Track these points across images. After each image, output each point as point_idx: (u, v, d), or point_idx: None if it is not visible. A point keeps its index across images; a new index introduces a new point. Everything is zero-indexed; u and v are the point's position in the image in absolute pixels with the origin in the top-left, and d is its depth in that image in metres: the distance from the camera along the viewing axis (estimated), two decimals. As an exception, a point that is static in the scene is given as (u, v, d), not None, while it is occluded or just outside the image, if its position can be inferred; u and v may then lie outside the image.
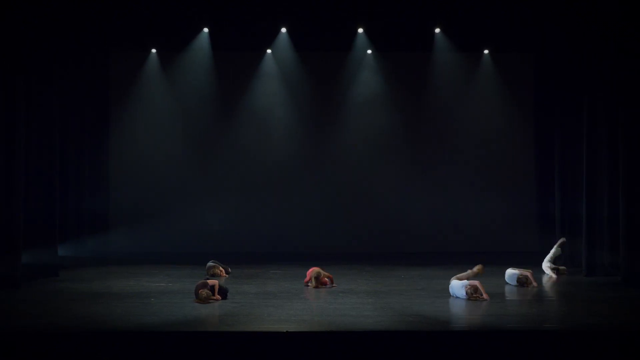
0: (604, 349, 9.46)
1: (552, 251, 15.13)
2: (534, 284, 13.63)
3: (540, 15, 16.77)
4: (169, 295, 12.60)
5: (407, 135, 20.00)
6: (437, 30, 18.62)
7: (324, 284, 13.40)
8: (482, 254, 17.90)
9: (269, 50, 19.50)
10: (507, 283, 13.88)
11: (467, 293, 12.03)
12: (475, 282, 12.19)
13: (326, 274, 13.52)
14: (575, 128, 16.43)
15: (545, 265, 15.20)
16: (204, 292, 11.76)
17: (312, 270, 13.45)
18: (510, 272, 13.96)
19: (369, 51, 19.57)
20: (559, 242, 15.27)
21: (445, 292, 13.11)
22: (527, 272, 13.87)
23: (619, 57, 14.15)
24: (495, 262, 16.43)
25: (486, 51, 19.68)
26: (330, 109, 19.93)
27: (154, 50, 19.48)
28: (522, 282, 13.63)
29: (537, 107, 19.28)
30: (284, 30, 18.63)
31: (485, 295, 12.08)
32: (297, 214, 19.45)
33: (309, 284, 13.38)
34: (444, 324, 10.46)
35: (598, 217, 15.17)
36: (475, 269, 12.83)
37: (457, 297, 12.22)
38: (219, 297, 11.91)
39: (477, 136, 19.94)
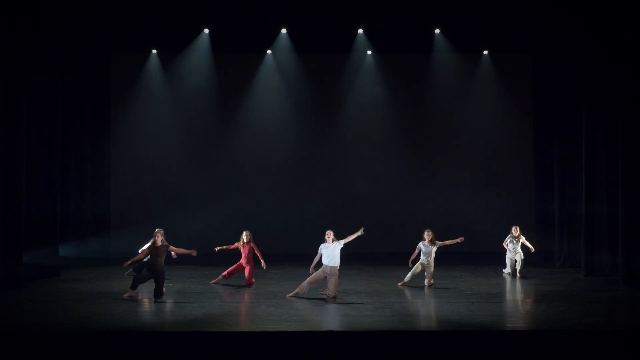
0: (602, 348, 9.50)
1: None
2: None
3: (539, 16, 16.79)
4: (170, 296, 12.64)
5: (407, 135, 20.05)
6: (437, 31, 18.65)
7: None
8: (481, 254, 17.96)
9: (269, 51, 19.53)
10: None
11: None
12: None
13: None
14: (574, 128, 16.47)
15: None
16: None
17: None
18: None
19: (369, 52, 19.61)
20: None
21: (445, 292, 13.16)
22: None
23: (619, 58, 14.18)
24: (494, 262, 16.50)
25: (485, 52, 19.72)
26: (330, 109, 19.97)
27: (154, 51, 19.53)
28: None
29: (536, 108, 19.32)
30: (284, 31, 18.65)
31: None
32: (297, 214, 19.47)
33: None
34: (444, 324, 10.48)
35: (597, 217, 15.21)
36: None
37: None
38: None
39: (477, 137, 19.98)
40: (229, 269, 14.00)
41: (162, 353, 9.42)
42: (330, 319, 10.79)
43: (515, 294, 13.50)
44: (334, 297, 12.22)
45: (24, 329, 9.94)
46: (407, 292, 13.11)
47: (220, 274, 14.05)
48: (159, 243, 12.52)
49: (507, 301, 12.74)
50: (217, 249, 14.25)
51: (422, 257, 13.81)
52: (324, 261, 12.36)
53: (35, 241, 14.36)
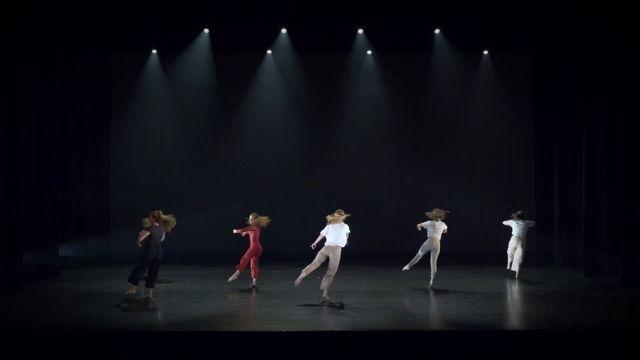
0: (602, 348, 9.49)
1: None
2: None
3: (539, 16, 16.80)
4: (169, 295, 12.65)
5: (407, 135, 20.05)
6: (437, 31, 18.65)
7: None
8: (481, 254, 17.95)
9: (269, 51, 19.53)
10: None
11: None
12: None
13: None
14: (574, 128, 16.48)
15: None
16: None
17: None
18: None
19: (369, 52, 19.61)
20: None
21: (445, 292, 13.15)
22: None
23: (619, 58, 14.18)
24: (494, 262, 16.49)
25: (485, 52, 19.72)
26: (329, 109, 19.97)
27: (154, 51, 19.53)
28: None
29: (536, 108, 19.34)
30: (284, 31, 18.65)
31: None
32: (297, 214, 19.44)
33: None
34: (444, 324, 10.48)
35: (597, 217, 15.22)
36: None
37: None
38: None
39: (477, 136, 19.98)
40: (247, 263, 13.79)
41: (162, 353, 9.42)
42: (330, 319, 10.78)
43: (515, 294, 13.48)
44: (332, 277, 12.09)
45: (24, 329, 9.93)
46: (407, 293, 13.09)
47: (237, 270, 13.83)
48: (159, 223, 12.51)
49: (507, 301, 12.72)
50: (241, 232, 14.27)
51: (429, 235, 13.59)
52: (330, 241, 12.18)
53: (35, 241, 14.36)
